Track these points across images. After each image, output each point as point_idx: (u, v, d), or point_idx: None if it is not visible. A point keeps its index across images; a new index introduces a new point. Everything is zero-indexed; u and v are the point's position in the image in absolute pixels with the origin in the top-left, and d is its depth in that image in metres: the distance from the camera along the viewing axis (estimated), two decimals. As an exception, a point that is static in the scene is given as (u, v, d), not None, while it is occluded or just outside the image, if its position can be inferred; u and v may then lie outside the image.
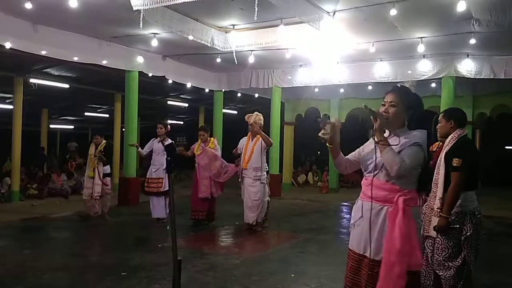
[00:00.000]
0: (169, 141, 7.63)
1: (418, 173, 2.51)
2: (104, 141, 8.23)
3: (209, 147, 7.67)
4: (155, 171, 7.84)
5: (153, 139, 8.10)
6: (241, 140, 7.60)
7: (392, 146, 2.46)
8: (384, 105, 2.62)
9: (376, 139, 2.48)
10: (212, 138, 7.91)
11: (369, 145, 2.71)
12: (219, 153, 7.80)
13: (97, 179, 7.99)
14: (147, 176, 7.98)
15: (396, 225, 2.37)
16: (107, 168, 8.26)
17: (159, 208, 7.83)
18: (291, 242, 6.59)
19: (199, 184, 7.59)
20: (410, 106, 2.59)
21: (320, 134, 2.62)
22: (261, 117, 7.41)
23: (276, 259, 5.84)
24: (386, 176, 2.50)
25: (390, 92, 2.64)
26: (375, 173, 2.56)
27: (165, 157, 8.19)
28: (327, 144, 2.69)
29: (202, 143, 7.73)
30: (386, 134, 2.61)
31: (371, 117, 2.53)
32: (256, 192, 7.22)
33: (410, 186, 2.49)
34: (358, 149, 2.82)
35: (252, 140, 7.39)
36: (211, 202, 7.76)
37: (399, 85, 2.79)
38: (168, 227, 7.42)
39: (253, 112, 7.48)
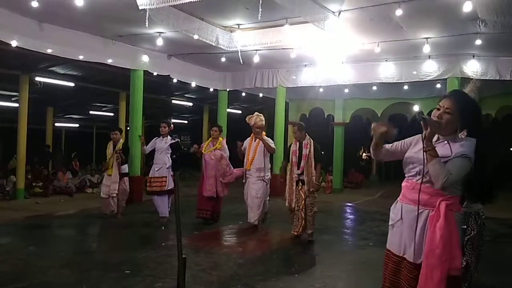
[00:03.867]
0: (171, 139, 7.67)
1: (464, 180, 2.46)
2: (121, 140, 8.24)
3: (216, 147, 7.69)
4: (158, 170, 7.81)
5: (155, 137, 8.08)
6: (245, 141, 7.59)
7: (441, 158, 2.41)
8: (438, 109, 2.55)
9: (425, 147, 2.43)
10: (221, 138, 7.91)
11: (414, 146, 2.65)
12: (226, 153, 7.78)
13: (115, 177, 8.01)
14: (150, 175, 7.96)
15: (437, 229, 2.37)
16: (125, 167, 8.30)
17: (163, 206, 7.84)
18: (295, 242, 6.58)
19: (205, 183, 7.61)
20: (465, 115, 2.50)
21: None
22: (262, 118, 7.35)
23: (280, 258, 5.85)
24: (430, 182, 2.47)
25: (448, 97, 2.56)
26: (418, 177, 2.53)
27: (168, 155, 8.24)
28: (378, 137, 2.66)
29: (210, 143, 7.81)
30: (435, 138, 2.55)
31: (422, 123, 2.47)
32: (258, 189, 7.23)
33: (454, 192, 2.46)
34: (399, 142, 2.76)
35: (254, 140, 7.39)
36: (217, 201, 7.77)
37: (461, 89, 2.74)
38: (163, 227, 7.45)
39: (253, 113, 7.43)
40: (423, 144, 2.45)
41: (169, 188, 7.74)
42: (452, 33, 8.07)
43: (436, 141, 2.54)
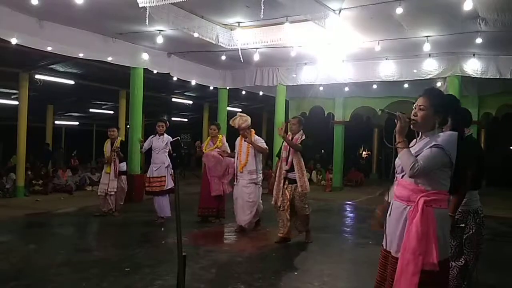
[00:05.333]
0: (168, 138, 7.60)
1: (448, 175, 2.51)
2: (119, 138, 8.22)
3: (217, 145, 7.65)
4: (156, 170, 7.68)
5: (152, 136, 7.94)
6: (236, 142, 7.34)
7: (410, 148, 2.52)
8: (415, 108, 2.65)
9: (395, 142, 2.54)
10: (221, 136, 7.82)
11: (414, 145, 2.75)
12: (228, 150, 7.69)
13: (113, 175, 8.00)
14: (148, 176, 7.81)
15: (414, 224, 2.43)
16: (123, 165, 8.26)
17: (164, 207, 7.74)
18: (294, 240, 6.58)
19: (211, 182, 7.55)
20: (439, 109, 2.58)
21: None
22: (245, 118, 7.06)
23: (280, 257, 5.85)
24: (411, 177, 2.55)
25: (421, 95, 2.65)
26: (402, 174, 2.62)
27: (166, 154, 8.15)
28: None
29: (210, 142, 7.77)
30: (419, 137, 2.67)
31: (395, 120, 2.59)
32: (250, 193, 6.98)
33: (437, 187, 2.49)
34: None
35: (244, 141, 7.11)
36: (221, 199, 7.76)
37: (433, 85, 2.84)
38: (162, 229, 7.40)
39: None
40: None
41: (168, 187, 7.66)
42: (452, 32, 8.06)
43: (420, 138, 2.65)
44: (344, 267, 5.59)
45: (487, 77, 9.71)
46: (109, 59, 9.51)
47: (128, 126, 11.17)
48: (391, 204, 2.72)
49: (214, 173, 7.58)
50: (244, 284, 4.59)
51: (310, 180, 16.24)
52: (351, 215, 10.38)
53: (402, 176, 2.62)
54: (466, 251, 3.59)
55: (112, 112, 18.67)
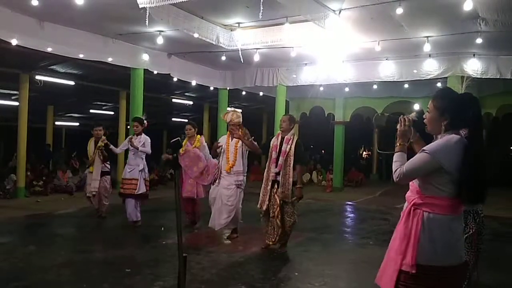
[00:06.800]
0: (146, 138, 7.37)
1: (447, 180, 2.34)
2: (103, 137, 7.87)
3: (195, 146, 7.26)
4: (130, 172, 7.29)
5: (129, 136, 7.67)
6: (221, 139, 6.83)
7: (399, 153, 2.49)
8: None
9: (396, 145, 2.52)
10: (199, 136, 7.41)
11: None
12: (206, 151, 7.32)
13: (96, 175, 7.69)
14: (122, 177, 7.48)
15: (400, 224, 2.45)
16: (107, 165, 7.96)
17: (132, 211, 7.31)
18: (295, 241, 6.57)
19: (185, 182, 7.14)
20: (445, 111, 2.46)
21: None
22: (239, 114, 6.46)
23: (280, 257, 5.85)
24: (396, 182, 2.53)
25: (432, 97, 2.59)
26: None
27: (142, 157, 7.85)
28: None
29: (188, 142, 7.33)
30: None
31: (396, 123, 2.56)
32: (230, 195, 6.33)
33: (433, 192, 2.37)
34: None
35: (232, 140, 6.50)
36: (195, 202, 7.40)
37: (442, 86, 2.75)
38: (162, 229, 7.34)
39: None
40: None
41: (140, 192, 7.25)
42: (452, 32, 8.06)
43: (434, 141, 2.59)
44: (344, 267, 5.59)
45: (488, 77, 9.70)
46: (109, 60, 9.51)
47: (128, 127, 11.16)
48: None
49: (190, 173, 7.19)
50: (245, 284, 4.59)
51: (310, 180, 16.49)
52: (352, 215, 10.38)
53: None
54: (466, 251, 3.58)
55: (112, 112, 18.67)
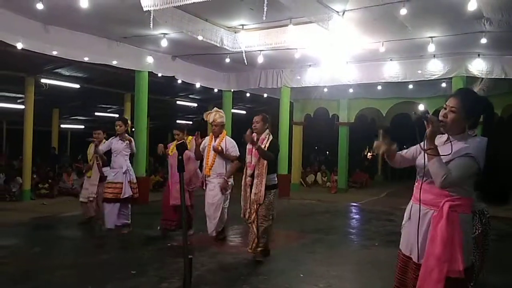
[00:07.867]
0: (129, 138, 6.98)
1: (473, 182, 2.37)
2: (104, 140, 7.36)
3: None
4: (114, 175, 6.83)
5: (112, 137, 7.11)
6: (204, 140, 6.45)
7: (442, 156, 2.34)
8: (445, 108, 2.49)
9: (425, 147, 2.37)
10: (190, 137, 6.81)
11: (421, 151, 2.60)
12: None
13: (94, 180, 7.36)
14: (107, 180, 6.95)
15: (439, 229, 2.34)
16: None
17: (111, 216, 6.83)
18: (300, 242, 6.57)
19: (172, 189, 6.53)
20: (472, 113, 2.43)
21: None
22: (222, 114, 6.35)
23: (285, 258, 5.84)
24: (433, 182, 2.42)
25: (453, 96, 2.49)
26: (424, 178, 2.49)
27: (126, 158, 7.41)
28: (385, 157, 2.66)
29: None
30: (444, 138, 2.51)
31: (425, 122, 2.39)
32: (214, 195, 6.16)
33: (462, 193, 2.38)
34: (413, 147, 2.71)
35: (215, 141, 6.28)
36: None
37: (467, 87, 2.69)
38: (159, 228, 7.24)
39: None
40: (421, 147, 2.42)
41: (125, 196, 6.80)
42: (457, 32, 8.04)
43: (446, 141, 2.50)
44: (349, 268, 5.58)
45: (492, 77, 9.64)
46: (114, 62, 9.56)
47: (133, 129, 11.21)
48: (410, 207, 2.61)
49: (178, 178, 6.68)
50: (250, 285, 4.60)
51: (315, 181, 16.47)
52: (357, 216, 10.35)
53: (425, 179, 2.48)
54: (472, 252, 3.57)
55: (117, 115, 18.69)
